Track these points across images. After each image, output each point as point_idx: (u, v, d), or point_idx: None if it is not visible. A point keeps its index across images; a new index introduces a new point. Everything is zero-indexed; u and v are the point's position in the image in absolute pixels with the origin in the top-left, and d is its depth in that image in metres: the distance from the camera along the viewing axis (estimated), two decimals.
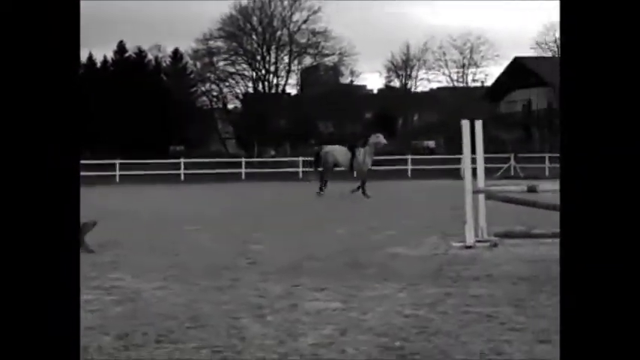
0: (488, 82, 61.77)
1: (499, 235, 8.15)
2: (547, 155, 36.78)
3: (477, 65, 61.49)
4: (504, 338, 4.10)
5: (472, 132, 8.06)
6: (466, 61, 60.17)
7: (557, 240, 7.78)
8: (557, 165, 36.77)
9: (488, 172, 35.98)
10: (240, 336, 4.20)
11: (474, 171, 8.40)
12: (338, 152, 19.84)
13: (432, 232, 9.20)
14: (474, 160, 8.33)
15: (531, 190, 7.75)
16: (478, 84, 62.86)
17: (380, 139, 18.97)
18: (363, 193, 18.15)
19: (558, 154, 31.06)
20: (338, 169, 19.94)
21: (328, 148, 20.83)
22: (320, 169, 20.11)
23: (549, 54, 62.85)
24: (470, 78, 61.32)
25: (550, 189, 8.02)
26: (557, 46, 64.42)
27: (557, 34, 64.53)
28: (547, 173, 34.42)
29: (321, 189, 19.29)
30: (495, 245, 7.84)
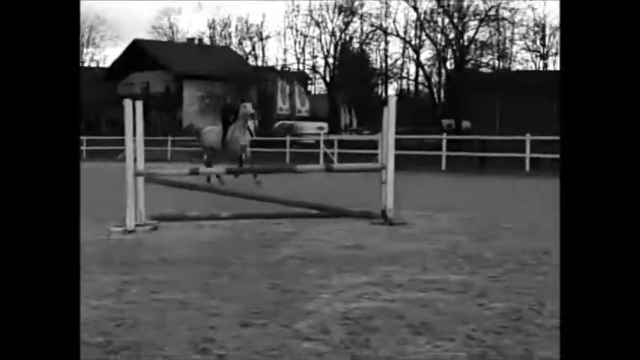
0: (107, 63, 60.87)
1: (156, 217, 8.01)
2: (170, 139, 37.32)
3: (95, 45, 60.17)
4: (207, 324, 3.99)
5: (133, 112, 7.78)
6: (85, 41, 58.53)
7: (214, 222, 7.98)
8: (178, 148, 37.53)
9: (113, 153, 35.21)
10: None
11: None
12: (215, 132, 17.18)
13: (87, 217, 8.72)
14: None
15: (193, 172, 7.74)
16: (94, 64, 61.54)
17: (248, 108, 16.54)
18: (235, 174, 15.17)
19: (181, 138, 31.49)
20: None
21: (208, 128, 18.15)
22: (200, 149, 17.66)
23: (165, 38, 63.83)
24: (88, 57, 59.79)
25: (209, 171, 8.09)
26: (173, 32, 65.71)
27: (172, 19, 65.89)
28: (169, 156, 34.96)
29: (208, 179, 15.52)
30: (155, 228, 7.69)
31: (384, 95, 56.72)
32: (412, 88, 57.02)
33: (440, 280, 5.14)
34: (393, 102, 8.12)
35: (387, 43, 55.54)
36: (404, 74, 57.54)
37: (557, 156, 24.62)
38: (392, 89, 59.08)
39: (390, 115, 8.01)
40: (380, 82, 58.80)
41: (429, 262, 5.89)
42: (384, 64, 57.00)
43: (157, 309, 4.34)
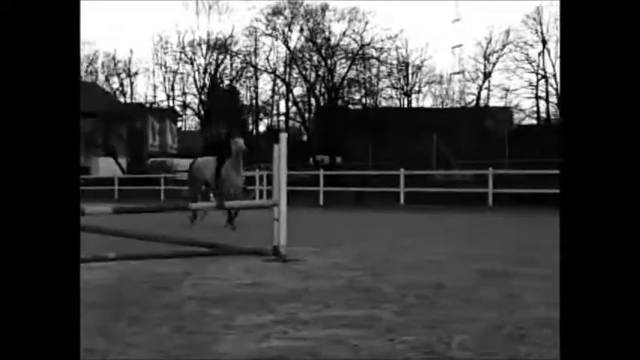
0: None
1: None
2: None
3: None
4: None
5: None
6: None
7: (102, 263, 7.68)
8: None
9: None
10: None
11: None
12: (210, 165, 15.21)
13: None
14: None
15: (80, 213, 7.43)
16: None
17: (240, 144, 14.47)
18: (229, 221, 14.25)
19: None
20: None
21: (200, 161, 15.82)
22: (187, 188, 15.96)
23: None
24: None
25: (97, 211, 7.81)
26: None
27: None
28: None
29: (194, 216, 14.75)
30: None
31: (254, 131, 56.90)
32: (282, 124, 57.55)
33: (345, 316, 5.15)
34: (284, 139, 8.16)
35: (257, 79, 55.94)
36: (275, 111, 58.03)
37: (430, 189, 25.40)
38: (263, 126, 59.42)
39: (281, 152, 8.03)
40: (251, 118, 58.99)
41: (330, 298, 5.89)
42: (254, 101, 57.31)
43: None
